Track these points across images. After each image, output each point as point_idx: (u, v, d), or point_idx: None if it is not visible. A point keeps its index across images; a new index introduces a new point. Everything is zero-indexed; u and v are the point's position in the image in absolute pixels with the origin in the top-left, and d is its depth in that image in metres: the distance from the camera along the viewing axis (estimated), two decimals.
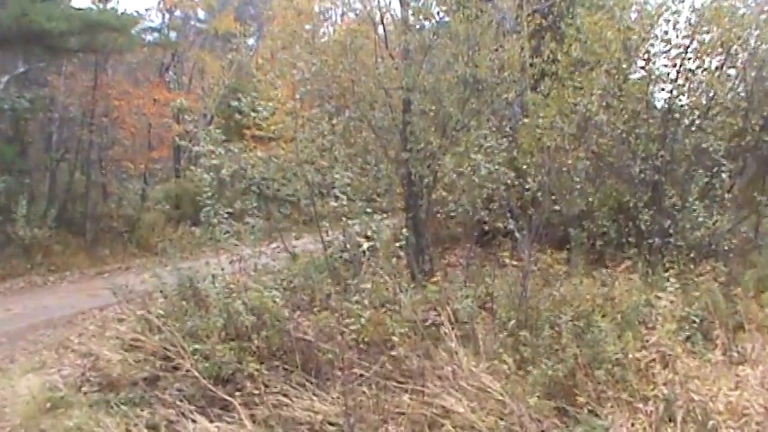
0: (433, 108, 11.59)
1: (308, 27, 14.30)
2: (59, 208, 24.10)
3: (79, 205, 25.19)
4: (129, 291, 10.84)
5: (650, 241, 11.33)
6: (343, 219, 9.40)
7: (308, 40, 12.58)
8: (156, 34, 30.35)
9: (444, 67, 12.15)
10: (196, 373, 6.89)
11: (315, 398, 6.60)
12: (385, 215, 10.84)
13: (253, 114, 12.25)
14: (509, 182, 10.32)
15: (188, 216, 26.00)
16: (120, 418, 6.92)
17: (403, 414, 6.40)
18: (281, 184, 11.67)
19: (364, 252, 8.31)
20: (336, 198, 11.01)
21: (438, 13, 12.53)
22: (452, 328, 7.51)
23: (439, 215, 12.41)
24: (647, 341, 7.01)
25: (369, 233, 8.55)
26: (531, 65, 12.29)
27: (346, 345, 6.80)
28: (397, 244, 8.80)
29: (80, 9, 22.67)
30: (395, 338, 7.18)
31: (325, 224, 10.19)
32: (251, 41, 38.86)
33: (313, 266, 10.29)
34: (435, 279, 9.26)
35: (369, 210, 9.60)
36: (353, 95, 12.03)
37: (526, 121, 11.81)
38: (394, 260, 9.71)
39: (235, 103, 12.22)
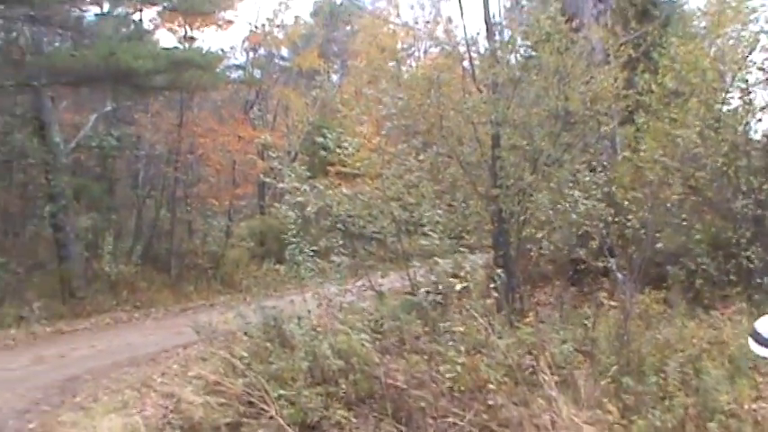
0: (525, 143, 11.21)
1: (391, 64, 14.13)
2: (145, 244, 24.37)
3: (164, 242, 25.49)
4: (213, 330, 10.67)
5: (758, 280, 10.74)
6: (434, 257, 9.08)
7: (395, 75, 12.36)
8: (240, 72, 30.68)
9: (533, 101, 11.79)
10: (281, 420, 6.59)
11: None
12: (471, 253, 10.55)
13: (338, 150, 12.08)
14: (610, 218, 9.87)
15: (272, 253, 26.00)
16: None
17: None
18: (366, 222, 11.42)
19: (455, 292, 7.97)
20: (425, 236, 10.73)
21: (525, 46, 12.23)
22: (551, 374, 7.10)
23: (531, 253, 11.98)
24: (762, 390, 6.51)
25: (462, 273, 8.21)
26: (624, 96, 11.84)
27: (440, 392, 6.46)
28: (492, 285, 8.44)
29: (166, 48, 23.00)
30: (491, 385, 6.77)
31: (414, 263, 9.87)
32: (334, 78, 39.08)
33: (401, 306, 9.95)
34: (528, 320, 8.85)
35: (461, 248, 9.33)
36: (441, 130, 11.72)
37: (626, 154, 11.37)
38: (482, 300, 9.35)
39: (320, 140, 12.10)
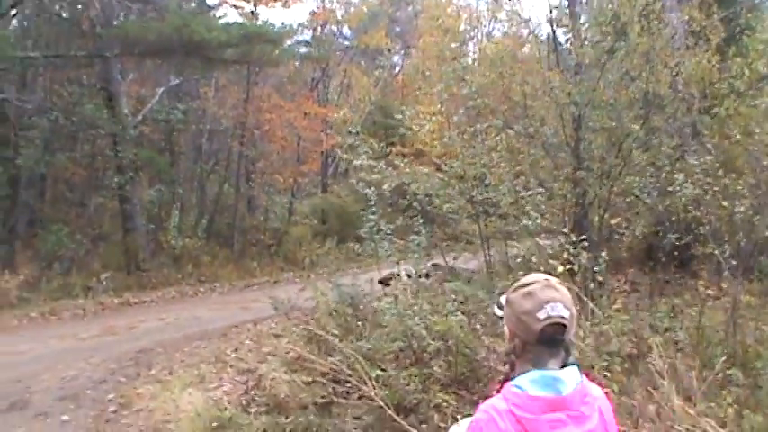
0: (614, 124, 10.87)
1: (454, 45, 13.86)
2: (208, 219, 24.38)
3: (227, 217, 25.43)
4: (291, 306, 10.56)
5: None
6: (535, 238, 8.86)
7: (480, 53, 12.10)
8: (304, 49, 30.49)
9: (618, 82, 11.44)
10: (379, 401, 6.35)
11: None
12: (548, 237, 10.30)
13: (414, 129, 11.88)
14: (722, 204, 9.45)
15: (334, 231, 26.02)
16: None
17: None
18: (443, 202, 11.23)
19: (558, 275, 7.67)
20: (503, 217, 10.52)
21: (615, 24, 11.84)
22: (650, 362, 6.81)
23: (615, 237, 11.65)
24: None
25: (565, 255, 7.94)
26: (717, 80, 11.43)
27: None
28: (596, 269, 8.14)
29: (238, 22, 22.96)
30: (593, 372, 6.46)
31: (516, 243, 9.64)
32: (395, 59, 38.88)
33: (480, 287, 9.71)
34: (616, 306, 8.56)
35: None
36: (525, 110, 11.43)
37: (739, 137, 10.91)
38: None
39: (398, 117, 11.96)
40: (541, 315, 2.33)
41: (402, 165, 11.29)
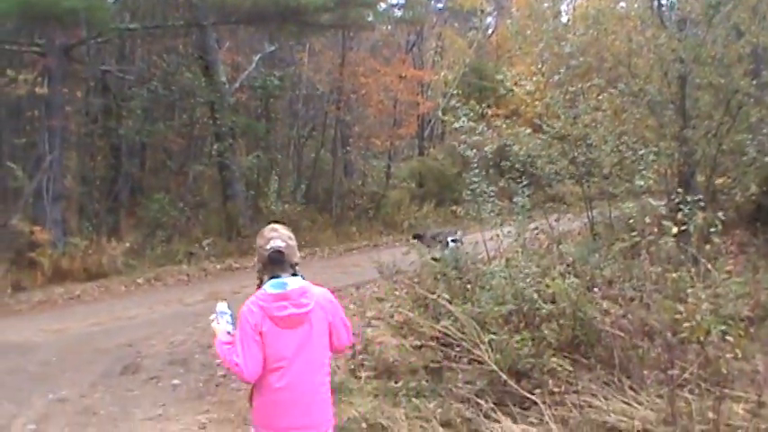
0: (722, 80, 10.55)
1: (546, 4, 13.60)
2: (306, 184, 24.53)
3: (324, 182, 25.55)
4: (396, 270, 10.53)
5: None
6: (645, 197, 8.65)
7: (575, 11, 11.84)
8: (398, 12, 30.36)
9: (725, 37, 11.07)
10: (492, 365, 6.27)
11: (632, 401, 5.77)
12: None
13: (515, 89, 11.73)
14: None
15: (432, 194, 25.94)
16: (410, 410, 6.43)
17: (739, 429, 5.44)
18: (546, 163, 11.07)
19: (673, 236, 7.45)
20: (606, 178, 10.32)
21: None
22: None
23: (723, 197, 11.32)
24: None
25: (679, 215, 7.73)
26: None
27: (666, 343, 6.02)
28: (712, 229, 7.90)
29: None
30: (711, 337, 6.23)
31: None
32: (489, 20, 38.49)
33: (587, 249, 9.52)
34: (728, 268, 8.29)
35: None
36: (629, 68, 11.17)
37: None
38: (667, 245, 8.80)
39: (499, 77, 11.85)
40: (267, 246, 3.99)
41: (504, 126, 11.18)
